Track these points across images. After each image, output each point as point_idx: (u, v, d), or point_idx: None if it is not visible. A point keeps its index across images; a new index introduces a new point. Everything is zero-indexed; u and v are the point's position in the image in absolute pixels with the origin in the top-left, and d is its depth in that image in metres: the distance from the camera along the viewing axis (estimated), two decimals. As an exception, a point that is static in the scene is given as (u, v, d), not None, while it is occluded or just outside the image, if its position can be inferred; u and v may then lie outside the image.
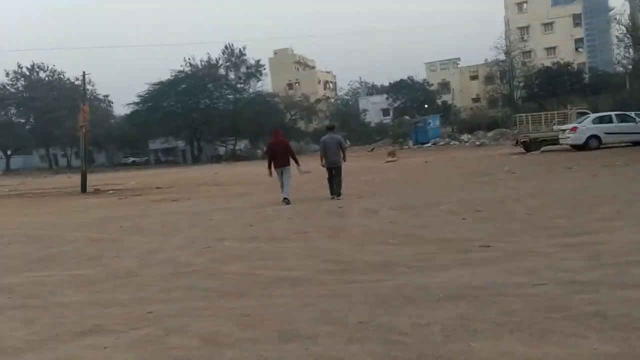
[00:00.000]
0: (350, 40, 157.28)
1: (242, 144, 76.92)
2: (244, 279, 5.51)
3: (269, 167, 12.95)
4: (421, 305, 4.04)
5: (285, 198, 12.37)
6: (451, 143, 52.08)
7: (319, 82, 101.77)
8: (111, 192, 21.49)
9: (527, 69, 71.66)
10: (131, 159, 79.85)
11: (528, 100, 67.36)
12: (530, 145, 27.61)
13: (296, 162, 12.96)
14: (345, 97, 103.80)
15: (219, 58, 67.06)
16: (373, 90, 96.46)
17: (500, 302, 3.93)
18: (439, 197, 11.45)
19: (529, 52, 75.78)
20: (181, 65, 66.52)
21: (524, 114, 32.40)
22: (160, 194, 19.75)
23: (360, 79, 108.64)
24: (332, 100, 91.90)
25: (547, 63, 70.85)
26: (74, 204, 17.56)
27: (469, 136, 54.37)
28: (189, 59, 66.73)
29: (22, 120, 78.32)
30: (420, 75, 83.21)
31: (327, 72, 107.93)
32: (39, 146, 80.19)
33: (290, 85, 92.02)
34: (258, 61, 70.46)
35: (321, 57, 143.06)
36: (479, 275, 4.78)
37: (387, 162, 31.33)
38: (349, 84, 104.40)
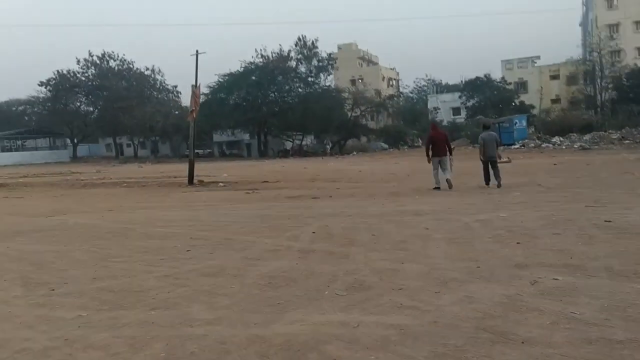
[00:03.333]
0: (413, 36, 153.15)
1: (307, 140, 74.88)
2: None
3: (427, 154, 14.91)
4: None
5: (447, 179, 14.32)
6: (543, 145, 48.24)
7: (383, 78, 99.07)
8: (221, 184, 19.37)
9: (617, 70, 66.79)
10: (195, 151, 78.98)
11: (618, 102, 62.59)
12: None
13: (450, 153, 14.80)
14: (411, 94, 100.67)
15: (291, 50, 64.96)
16: (442, 88, 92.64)
17: None
18: None
19: (618, 51, 70.63)
20: (252, 57, 64.78)
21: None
22: (279, 188, 17.46)
23: (427, 76, 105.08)
24: (395, 98, 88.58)
25: (635, 64, 65.79)
26: (195, 197, 15.43)
27: (561, 139, 50.30)
28: (261, 49, 64.94)
29: (91, 109, 78.57)
30: (494, 74, 79.06)
31: (391, 69, 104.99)
32: (106, 135, 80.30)
33: (353, 82, 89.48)
34: (330, 54, 68.06)
35: (384, 53, 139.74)
36: None
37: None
38: (414, 81, 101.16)
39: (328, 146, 67.45)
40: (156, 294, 5.06)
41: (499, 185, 14.22)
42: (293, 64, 66.35)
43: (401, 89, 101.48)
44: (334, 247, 7.00)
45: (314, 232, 8.15)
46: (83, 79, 73.65)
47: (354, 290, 4.93)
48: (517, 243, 6.67)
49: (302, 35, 64.67)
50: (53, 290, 5.41)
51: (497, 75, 78.79)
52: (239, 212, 11.28)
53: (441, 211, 9.97)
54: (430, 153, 14.79)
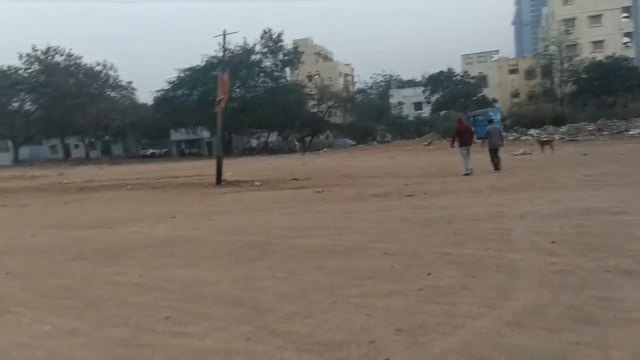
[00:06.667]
0: (367, 32, 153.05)
1: (271, 137, 72.29)
2: None
3: (452, 142, 17.59)
4: None
5: (470, 169, 16.53)
6: (522, 138, 48.04)
7: (340, 74, 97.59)
8: (257, 184, 16.95)
9: (575, 64, 68.04)
10: (150, 151, 74.50)
11: (577, 95, 63.69)
12: None
13: (472, 143, 17.05)
14: (369, 90, 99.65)
15: (256, 43, 62.17)
16: (401, 83, 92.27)
17: None
18: None
19: (574, 45, 72.06)
20: (215, 50, 61.49)
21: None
22: (335, 185, 15.30)
23: (384, 71, 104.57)
24: (359, 93, 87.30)
25: (593, 57, 67.32)
26: (255, 199, 13.04)
27: (538, 131, 50.32)
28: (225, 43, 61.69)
29: (34, 108, 72.54)
30: (455, 68, 79.20)
31: (347, 65, 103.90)
32: (52, 135, 74.50)
33: (310, 77, 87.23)
34: (296, 48, 65.77)
35: (338, 49, 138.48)
36: None
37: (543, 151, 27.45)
38: (372, 77, 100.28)
39: (296, 143, 65.07)
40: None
41: (498, 169, 16.93)
42: (257, 57, 63.63)
43: (359, 85, 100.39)
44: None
45: (552, 242, 6.17)
46: (26, 75, 67.83)
47: None
48: None
49: (267, 28, 62.10)
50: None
51: (458, 69, 79.03)
52: (363, 216, 9.13)
53: (630, 210, 8.20)
54: (457, 144, 17.16)
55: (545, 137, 36.56)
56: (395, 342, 3.48)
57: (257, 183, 17.04)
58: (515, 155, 26.97)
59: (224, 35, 18.91)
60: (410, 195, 11.82)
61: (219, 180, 17.46)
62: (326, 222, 8.59)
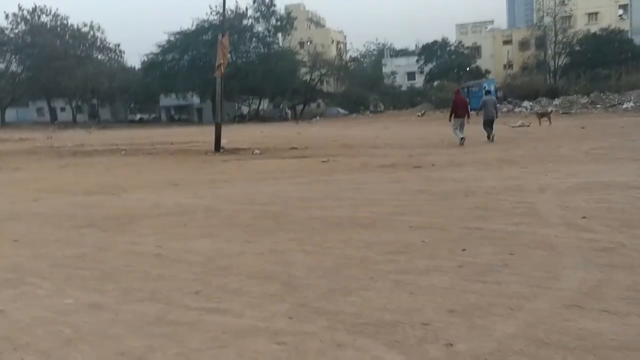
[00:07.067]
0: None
1: (263, 105, 71.34)
2: None
3: (450, 116, 17.70)
4: None
5: (463, 137, 16.79)
6: (516, 110, 47.86)
7: (332, 41, 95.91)
8: (257, 152, 16.60)
9: (569, 36, 67.45)
10: (138, 116, 73.22)
11: (571, 67, 63.29)
12: None
13: (469, 116, 17.48)
14: (361, 58, 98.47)
15: (248, 7, 60.83)
16: (396, 52, 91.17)
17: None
18: None
19: (569, 17, 71.37)
20: (207, 14, 60.20)
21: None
22: (335, 155, 15.03)
23: (377, 40, 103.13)
24: (353, 61, 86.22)
25: (588, 30, 66.80)
26: (260, 167, 12.73)
27: (531, 103, 50.13)
28: (216, 6, 60.36)
29: (20, 69, 70.75)
30: (449, 38, 78.21)
31: (339, 32, 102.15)
32: (38, 98, 72.87)
33: (302, 44, 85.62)
34: (289, 13, 64.43)
35: (330, 16, 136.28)
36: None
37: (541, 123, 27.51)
38: (364, 46, 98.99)
39: (288, 111, 64.40)
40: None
41: (491, 140, 17.50)
42: (249, 22, 62.32)
43: (351, 53, 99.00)
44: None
45: (584, 217, 5.97)
46: (12, 36, 65.86)
47: None
48: None
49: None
50: None
51: (451, 39, 78.14)
52: (376, 187, 8.90)
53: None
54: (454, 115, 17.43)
55: (541, 110, 36.37)
56: (451, 324, 3.26)
57: (257, 151, 16.69)
58: (513, 127, 26.86)
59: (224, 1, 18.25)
60: (418, 167, 11.60)
61: (217, 147, 17.07)
62: (339, 193, 8.34)
